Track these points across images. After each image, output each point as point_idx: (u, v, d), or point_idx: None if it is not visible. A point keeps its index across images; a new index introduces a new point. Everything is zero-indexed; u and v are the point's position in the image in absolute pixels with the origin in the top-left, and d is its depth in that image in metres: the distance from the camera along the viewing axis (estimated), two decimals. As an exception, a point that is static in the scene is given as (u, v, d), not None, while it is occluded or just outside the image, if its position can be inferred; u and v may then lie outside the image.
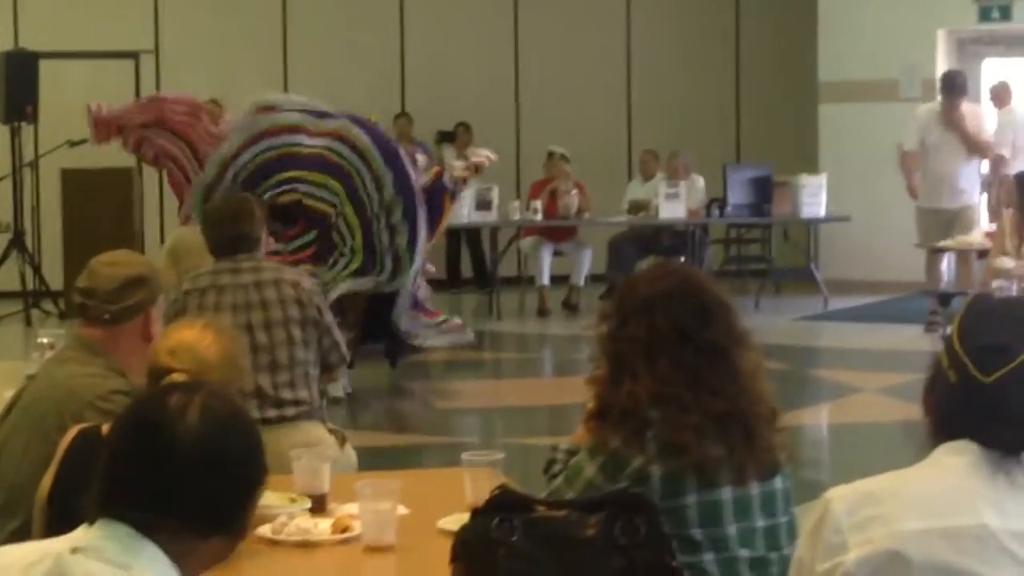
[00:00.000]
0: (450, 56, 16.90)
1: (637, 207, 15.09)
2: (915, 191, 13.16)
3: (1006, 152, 13.57)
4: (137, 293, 4.24)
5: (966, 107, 13.11)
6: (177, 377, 3.55)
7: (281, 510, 3.88)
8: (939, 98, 13.26)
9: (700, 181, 15.02)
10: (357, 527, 3.78)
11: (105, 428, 3.58)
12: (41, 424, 4.08)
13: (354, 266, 9.38)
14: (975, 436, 2.50)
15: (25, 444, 4.10)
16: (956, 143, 12.94)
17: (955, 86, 13.03)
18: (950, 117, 12.91)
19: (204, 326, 3.79)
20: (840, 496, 2.51)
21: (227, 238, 6.04)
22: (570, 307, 14.79)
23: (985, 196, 13.51)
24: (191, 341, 3.69)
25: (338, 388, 9.76)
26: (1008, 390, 2.48)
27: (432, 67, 16.90)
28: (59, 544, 2.39)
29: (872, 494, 2.50)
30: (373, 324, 9.79)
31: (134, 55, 15.37)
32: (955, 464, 2.50)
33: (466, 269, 16.77)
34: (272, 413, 5.80)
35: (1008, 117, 13.76)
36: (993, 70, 15.59)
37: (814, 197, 14.65)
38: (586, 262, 14.88)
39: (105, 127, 10.45)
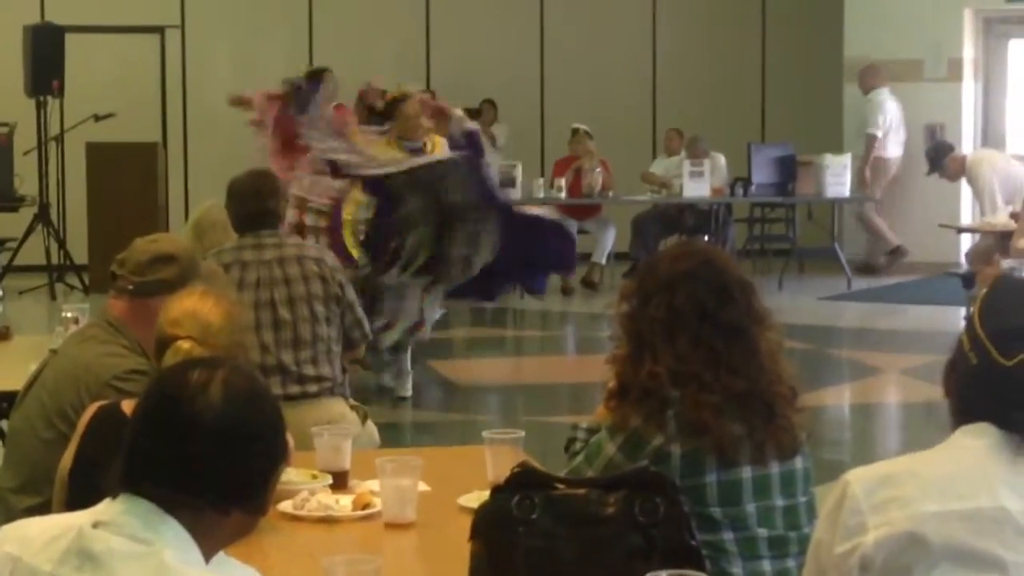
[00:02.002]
0: (475, 33, 16.87)
1: (647, 179, 15.10)
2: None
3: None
4: (164, 270, 4.24)
5: (971, 164, 13.45)
6: (184, 344, 3.57)
7: (302, 486, 3.89)
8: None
9: (721, 159, 14.98)
10: (378, 503, 3.79)
11: (125, 405, 3.60)
12: (60, 401, 4.09)
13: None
14: (995, 419, 2.51)
15: (45, 421, 4.11)
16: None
17: (936, 160, 13.55)
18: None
19: (202, 293, 3.80)
20: (859, 478, 2.51)
21: (250, 214, 6.06)
22: (589, 285, 14.75)
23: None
24: (192, 308, 3.69)
25: (406, 388, 9.47)
26: (1028, 374, 2.48)
27: (457, 43, 16.87)
28: (81, 518, 2.40)
29: (891, 476, 2.50)
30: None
31: (160, 30, 15.39)
32: (974, 447, 2.51)
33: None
34: (294, 389, 5.83)
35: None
36: (1021, 50, 15.48)
37: (838, 177, 14.60)
38: (609, 240, 14.84)
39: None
